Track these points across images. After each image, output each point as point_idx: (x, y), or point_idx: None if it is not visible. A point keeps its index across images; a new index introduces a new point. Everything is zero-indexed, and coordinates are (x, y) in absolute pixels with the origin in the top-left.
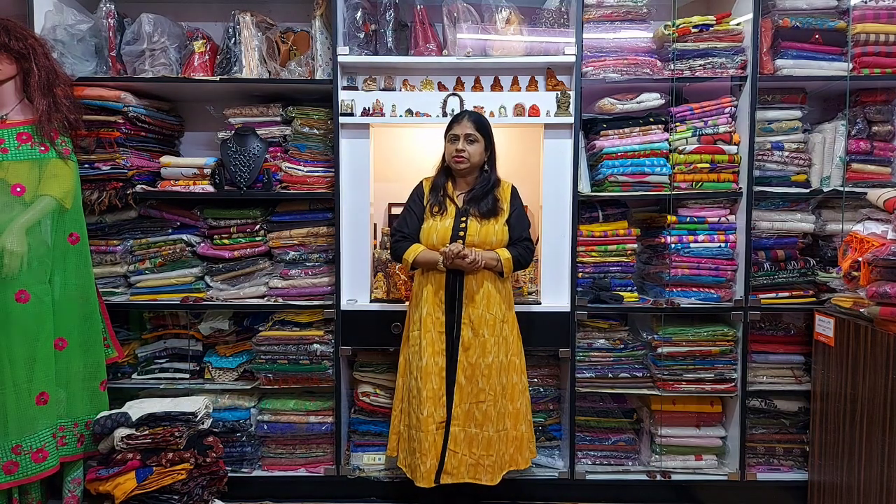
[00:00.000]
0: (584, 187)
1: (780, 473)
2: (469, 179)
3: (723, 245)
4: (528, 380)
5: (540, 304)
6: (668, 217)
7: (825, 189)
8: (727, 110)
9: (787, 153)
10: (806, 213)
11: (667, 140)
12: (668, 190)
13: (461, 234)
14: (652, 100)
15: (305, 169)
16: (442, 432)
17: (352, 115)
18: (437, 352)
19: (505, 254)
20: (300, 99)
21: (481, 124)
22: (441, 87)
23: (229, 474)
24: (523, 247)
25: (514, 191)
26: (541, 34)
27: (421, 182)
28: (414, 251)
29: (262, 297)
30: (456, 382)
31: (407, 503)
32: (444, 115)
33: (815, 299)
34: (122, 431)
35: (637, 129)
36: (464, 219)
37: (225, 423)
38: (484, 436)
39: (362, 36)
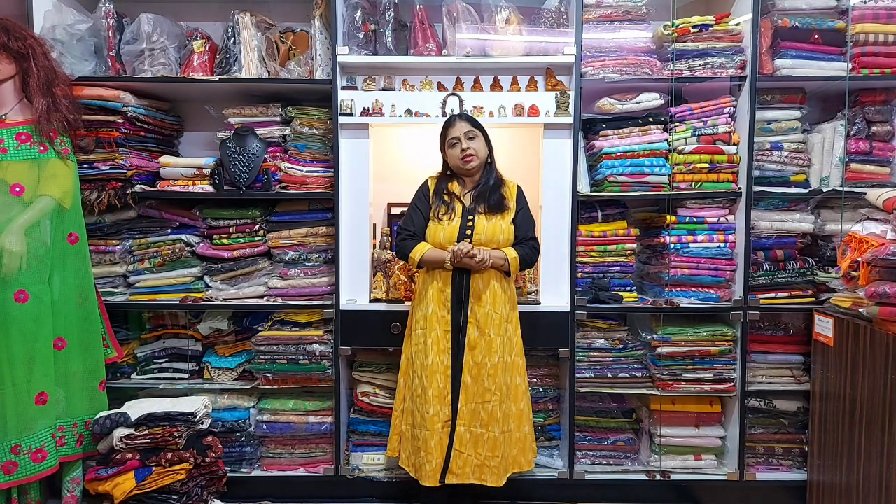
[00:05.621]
0: (584, 187)
1: (780, 473)
2: (476, 177)
3: (722, 245)
4: (528, 380)
5: (539, 303)
6: (668, 217)
7: (824, 189)
8: (726, 110)
9: (786, 153)
10: (805, 213)
11: (666, 140)
12: (667, 190)
13: (468, 232)
14: (651, 100)
15: (305, 169)
16: (447, 431)
17: (351, 114)
18: (442, 350)
19: (512, 253)
20: (300, 99)
21: (474, 121)
22: (440, 87)
23: (228, 474)
24: (529, 246)
25: (519, 191)
26: (540, 34)
27: (426, 180)
28: (420, 250)
29: (262, 296)
30: (462, 382)
31: (406, 503)
32: (444, 114)
33: (814, 299)
34: (121, 431)
35: (636, 129)
36: (471, 217)
37: (224, 423)
38: (489, 436)
39: (362, 36)
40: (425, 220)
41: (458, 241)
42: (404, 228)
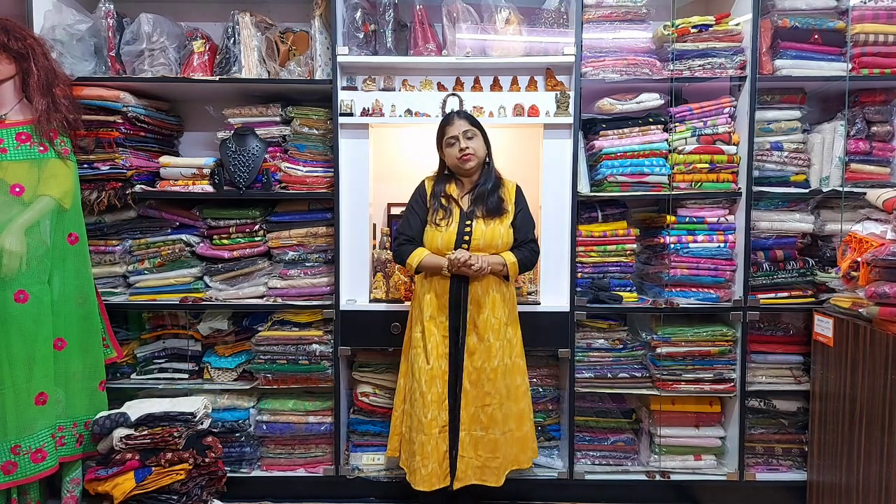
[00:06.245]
0: (584, 187)
1: (779, 473)
2: (474, 177)
3: (722, 245)
4: (528, 380)
5: (539, 304)
6: (668, 217)
7: (824, 189)
8: (726, 110)
9: (786, 153)
10: (805, 213)
11: (666, 140)
12: (667, 190)
13: (466, 238)
14: (651, 100)
15: (305, 169)
16: (444, 436)
17: (351, 115)
18: (440, 355)
19: (510, 258)
20: (299, 99)
21: (473, 119)
22: (440, 87)
23: (228, 474)
24: (528, 249)
25: (518, 191)
26: (540, 34)
27: (423, 181)
28: (418, 256)
29: (262, 297)
30: (462, 388)
31: (406, 503)
32: (444, 115)
33: (814, 299)
34: (120, 431)
35: (636, 129)
36: (468, 222)
37: (224, 423)
38: (489, 438)
39: (362, 36)
40: (423, 223)
41: (455, 247)
42: (401, 233)
